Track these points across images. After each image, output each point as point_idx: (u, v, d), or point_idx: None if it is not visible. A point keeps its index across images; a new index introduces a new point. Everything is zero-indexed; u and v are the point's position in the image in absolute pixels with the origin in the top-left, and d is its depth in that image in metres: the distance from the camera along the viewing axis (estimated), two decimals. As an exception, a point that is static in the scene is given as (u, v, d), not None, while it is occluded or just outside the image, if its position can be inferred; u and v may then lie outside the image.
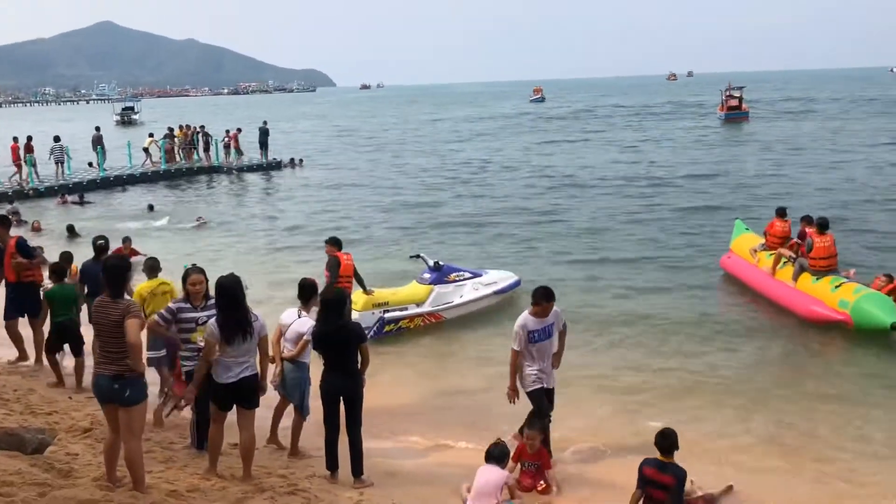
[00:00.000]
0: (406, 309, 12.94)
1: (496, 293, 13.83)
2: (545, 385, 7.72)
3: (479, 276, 13.97)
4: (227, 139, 39.10)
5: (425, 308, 13.09)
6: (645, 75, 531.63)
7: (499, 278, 14.11)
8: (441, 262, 13.69)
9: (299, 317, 7.81)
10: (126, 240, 14.10)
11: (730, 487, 7.39)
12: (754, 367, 11.14)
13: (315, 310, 7.61)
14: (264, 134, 38.64)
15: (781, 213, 14.76)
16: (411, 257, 14.79)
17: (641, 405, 9.68)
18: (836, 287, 12.30)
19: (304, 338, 7.61)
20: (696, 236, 20.00)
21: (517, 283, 14.17)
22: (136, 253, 13.31)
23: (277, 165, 38.59)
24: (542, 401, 7.69)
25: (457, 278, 13.60)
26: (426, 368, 11.39)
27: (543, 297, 7.56)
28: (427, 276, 13.49)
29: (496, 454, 6.65)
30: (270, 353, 7.52)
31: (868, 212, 21.93)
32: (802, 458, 8.34)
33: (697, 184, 28.69)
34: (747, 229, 16.45)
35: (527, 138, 51.27)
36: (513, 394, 7.76)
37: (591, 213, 23.46)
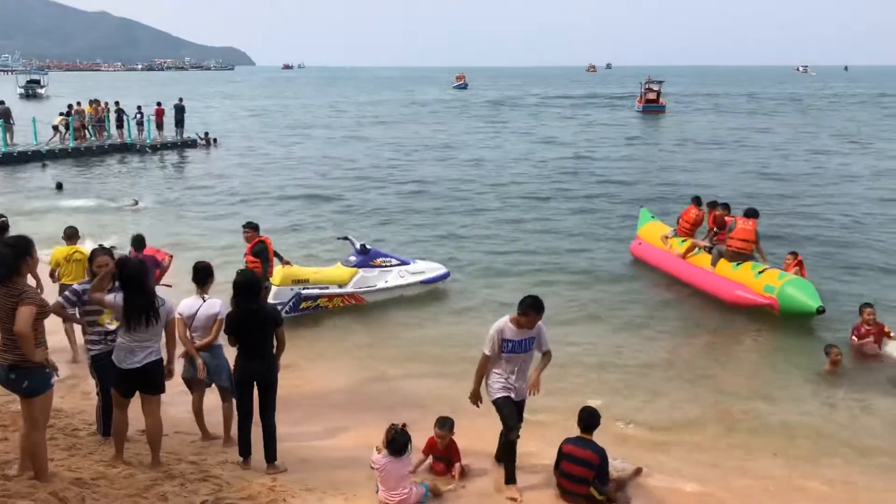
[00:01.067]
0: (327, 289, 12.88)
1: (423, 282, 13.86)
2: (513, 396, 6.96)
3: (408, 264, 13.97)
4: (138, 115, 37.69)
5: (347, 289, 13.04)
6: (566, 66, 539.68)
7: (427, 268, 14.14)
8: (368, 246, 13.66)
9: (204, 301, 7.59)
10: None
11: (639, 470, 7.51)
12: (671, 349, 11.55)
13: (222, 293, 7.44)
14: (180, 111, 37.57)
15: (697, 201, 15.27)
16: (339, 239, 14.76)
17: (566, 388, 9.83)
18: (760, 273, 12.79)
19: (218, 318, 7.43)
20: (607, 220, 20.75)
21: (446, 275, 14.25)
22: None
23: (193, 144, 37.63)
24: (509, 410, 6.90)
25: (383, 263, 13.56)
26: (350, 354, 11.26)
27: (532, 308, 6.68)
28: (353, 258, 13.44)
29: (397, 447, 6.56)
30: (183, 347, 7.33)
31: (772, 199, 23.01)
32: (714, 434, 8.72)
33: (611, 172, 29.45)
34: (653, 217, 17.01)
35: (452, 125, 51.37)
36: (475, 399, 7.11)
37: (502, 200, 23.71)
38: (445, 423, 7.37)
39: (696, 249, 14.37)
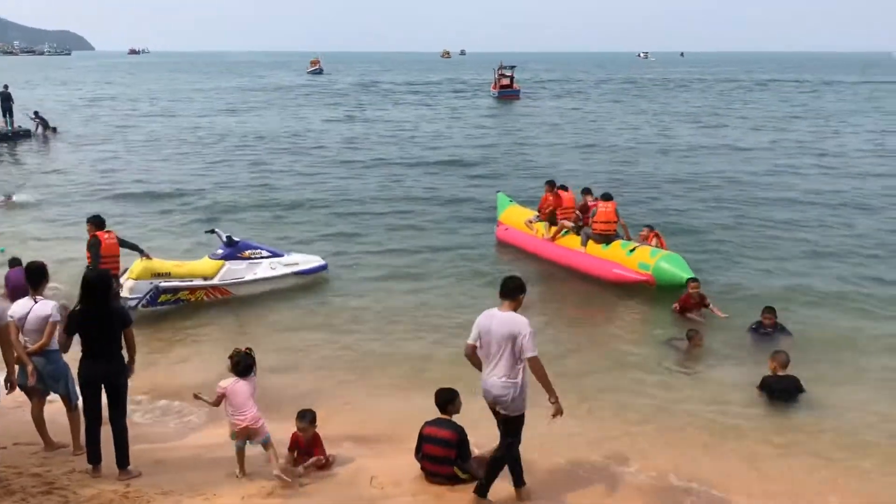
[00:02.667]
0: (190, 282, 12.47)
1: (296, 273, 13.61)
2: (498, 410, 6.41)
3: (280, 256, 13.70)
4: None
5: (212, 282, 12.66)
6: (421, 52, 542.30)
7: (302, 260, 13.92)
8: (236, 238, 13.30)
9: (35, 303, 7.08)
10: None
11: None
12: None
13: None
14: (6, 99, 34.65)
15: (552, 185, 15.77)
16: (206, 232, 14.34)
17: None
18: (632, 251, 13.57)
19: (51, 320, 6.95)
20: (464, 206, 20.93)
21: (322, 268, 14.06)
22: None
23: (27, 134, 34.92)
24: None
25: (252, 255, 13.27)
26: (213, 350, 10.76)
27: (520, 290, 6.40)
28: (220, 251, 13.10)
29: (242, 368, 6.77)
30: (16, 353, 6.80)
31: (624, 177, 24.34)
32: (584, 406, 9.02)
33: (468, 157, 29.91)
34: (511, 201, 17.45)
35: (304, 112, 50.41)
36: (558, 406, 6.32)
37: (354, 190, 23.33)
38: (305, 416, 7.28)
39: (564, 231, 14.94)
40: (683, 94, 68.75)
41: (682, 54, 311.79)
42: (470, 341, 6.44)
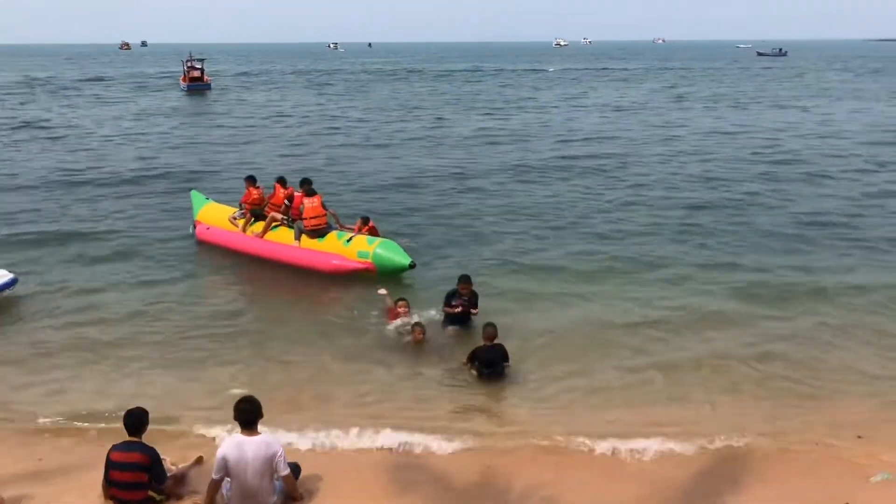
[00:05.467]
0: None
1: None
2: None
3: None
4: None
5: None
6: (95, 43, 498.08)
7: None
8: None
9: None
10: None
11: (199, 459, 7.51)
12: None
13: None
14: None
15: (252, 180, 15.54)
16: None
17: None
18: (348, 241, 13.70)
19: None
20: (163, 210, 19.53)
21: (11, 283, 12.54)
22: None
23: None
24: None
25: None
26: None
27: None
28: None
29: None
30: None
31: (329, 168, 24.46)
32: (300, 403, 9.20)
33: (157, 156, 28.30)
34: (207, 199, 16.88)
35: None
36: None
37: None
38: None
39: (274, 225, 14.72)
40: (377, 84, 71.01)
41: (369, 45, 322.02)
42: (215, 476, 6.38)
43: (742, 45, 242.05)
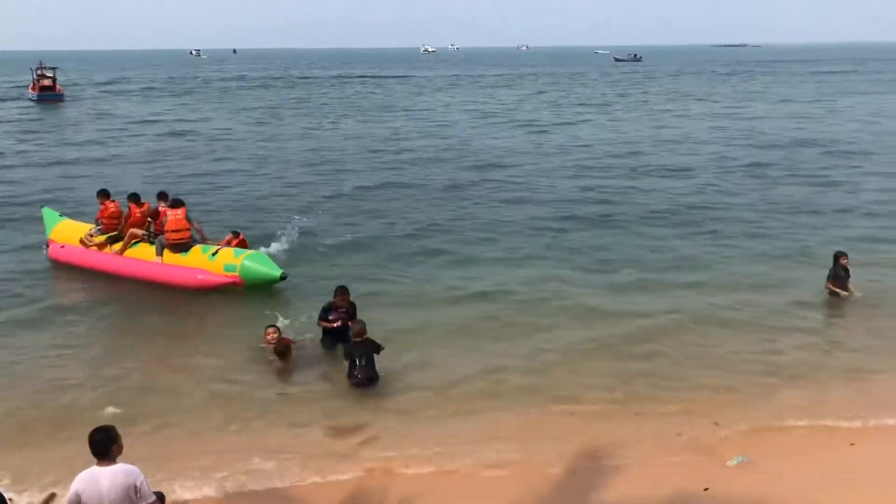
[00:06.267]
0: None
1: None
2: None
3: None
4: None
5: None
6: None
7: None
8: None
9: None
10: None
11: (52, 495, 7.18)
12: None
13: None
14: None
15: (105, 194, 14.76)
16: None
17: None
18: (214, 255, 13.11)
19: None
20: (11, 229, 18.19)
21: None
22: None
23: None
24: None
25: None
26: None
27: None
28: None
29: None
30: None
31: (198, 180, 23.75)
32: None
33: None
34: (61, 216, 15.89)
35: None
36: None
37: None
38: None
39: (134, 242, 13.97)
40: (244, 91, 69.13)
41: (234, 51, 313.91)
42: None
43: (601, 51, 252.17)
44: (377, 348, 9.85)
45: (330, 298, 10.93)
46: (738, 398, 9.53)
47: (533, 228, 17.92)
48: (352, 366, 9.74)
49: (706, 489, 7.33)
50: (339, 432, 8.86)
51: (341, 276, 13.38)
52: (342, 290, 10.84)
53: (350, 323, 10.44)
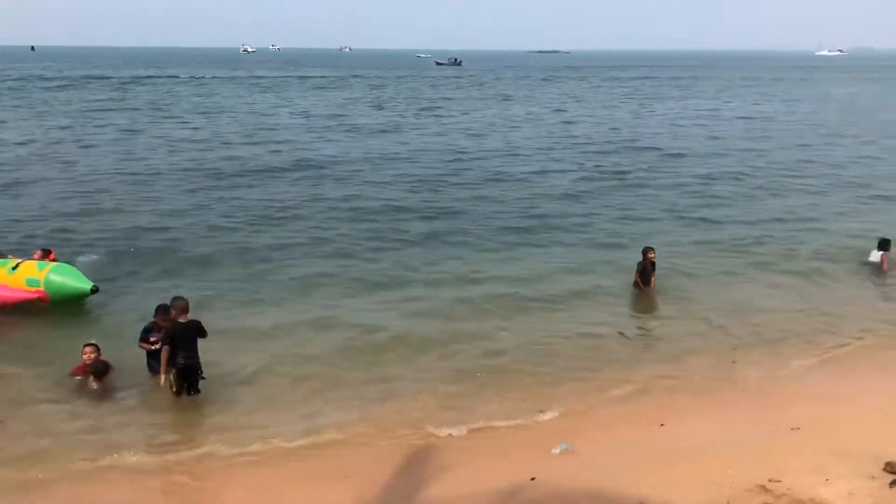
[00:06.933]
0: None
1: None
2: None
3: None
4: None
5: None
6: None
7: None
8: None
9: None
10: None
11: None
12: None
13: None
14: None
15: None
16: None
17: None
18: (14, 269, 12.08)
19: None
20: None
21: None
22: None
23: None
24: None
25: None
26: None
27: None
28: None
29: None
30: None
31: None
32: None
33: None
34: None
35: None
36: None
37: None
38: None
39: None
40: (50, 93, 63.52)
41: (32, 48, 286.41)
42: None
43: (422, 55, 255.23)
44: (201, 331, 9.38)
45: (151, 318, 10.25)
46: (561, 388, 10.01)
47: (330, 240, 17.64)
48: (178, 365, 9.24)
49: (533, 479, 7.65)
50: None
51: (164, 289, 12.80)
52: (163, 310, 9.97)
53: (174, 300, 9.58)
